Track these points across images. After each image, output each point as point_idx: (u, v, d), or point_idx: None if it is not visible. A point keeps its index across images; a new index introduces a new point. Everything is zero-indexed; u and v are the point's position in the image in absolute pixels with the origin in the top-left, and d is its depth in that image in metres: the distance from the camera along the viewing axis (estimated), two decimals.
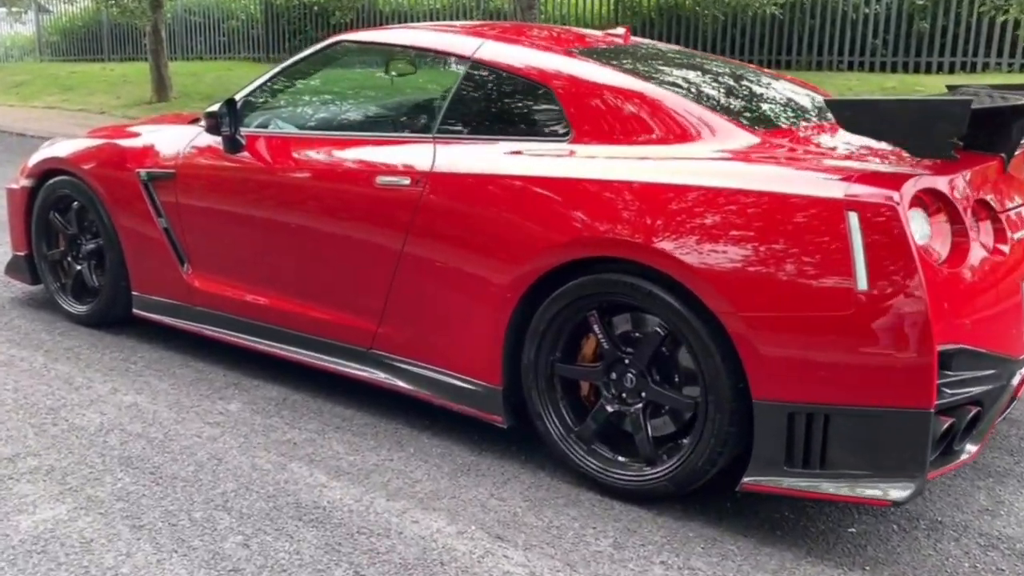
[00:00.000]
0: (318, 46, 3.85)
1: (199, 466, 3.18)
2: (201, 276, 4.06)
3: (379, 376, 3.50)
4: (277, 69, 3.93)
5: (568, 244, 2.85)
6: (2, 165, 10.36)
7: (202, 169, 3.94)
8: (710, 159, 2.76)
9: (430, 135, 3.35)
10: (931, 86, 10.82)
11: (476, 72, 3.36)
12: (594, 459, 2.97)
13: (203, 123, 3.96)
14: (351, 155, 3.51)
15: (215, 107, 3.70)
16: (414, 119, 3.84)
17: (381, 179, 3.34)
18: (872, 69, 12.56)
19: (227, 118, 3.68)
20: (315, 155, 3.58)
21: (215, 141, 3.88)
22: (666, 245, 2.65)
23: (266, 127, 3.91)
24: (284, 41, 20.07)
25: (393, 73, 4.00)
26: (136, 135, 4.34)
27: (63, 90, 18.18)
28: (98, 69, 20.25)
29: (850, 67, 12.84)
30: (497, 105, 3.34)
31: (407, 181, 3.27)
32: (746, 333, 2.54)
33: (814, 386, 2.50)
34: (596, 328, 2.90)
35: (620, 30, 3.89)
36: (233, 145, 3.80)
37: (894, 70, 12.47)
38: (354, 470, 3.17)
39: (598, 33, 3.99)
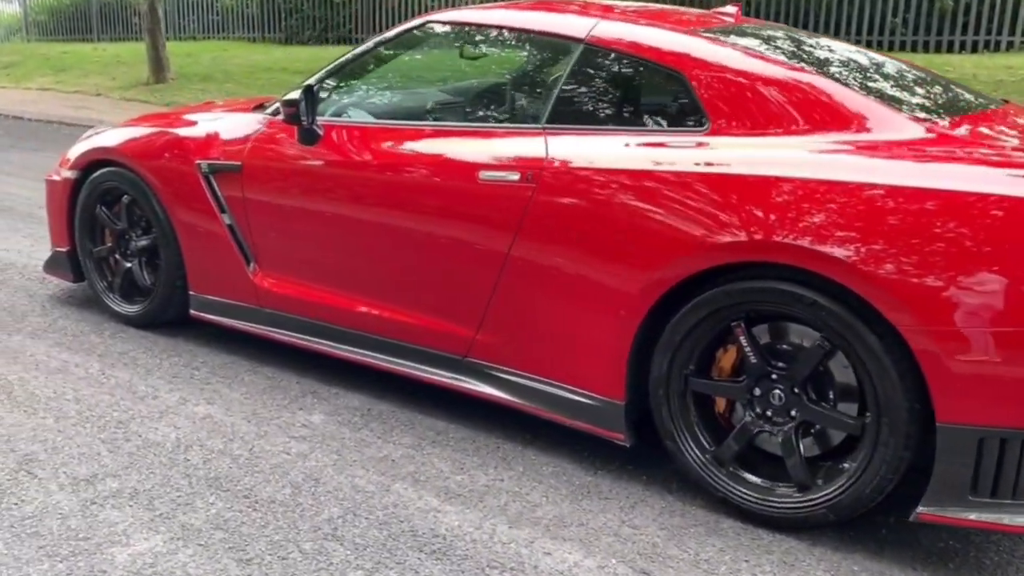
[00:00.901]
0: (401, 28, 3.56)
1: (295, 488, 2.92)
2: (270, 276, 3.78)
3: (476, 386, 3.25)
4: (353, 53, 3.65)
5: (715, 248, 2.60)
6: (5, 150, 10.00)
7: (273, 161, 3.66)
8: (879, 153, 2.50)
9: (538, 125, 3.09)
10: (959, 67, 10.61)
11: (590, 55, 3.09)
12: (736, 483, 2.74)
13: (278, 111, 3.68)
14: (447, 147, 3.24)
15: (294, 94, 3.41)
16: (518, 108, 3.56)
17: (485, 174, 3.07)
18: (891, 48, 12.32)
19: (306, 107, 3.39)
20: (405, 147, 3.31)
21: (287, 131, 3.60)
22: (837, 250, 2.40)
23: (340, 115, 3.64)
24: (279, 20, 19.65)
25: (482, 55, 3.71)
26: (193, 123, 4.04)
27: (56, 71, 17.73)
28: (89, 49, 19.76)
29: (868, 47, 12.58)
30: (617, 92, 3.07)
31: (515, 176, 3.00)
32: (933, 349, 2.30)
33: (1012, 409, 2.26)
34: (743, 340, 2.65)
35: (731, 8, 3.61)
36: (310, 136, 3.52)
37: (914, 49, 12.25)
38: (464, 491, 2.92)
39: (706, 12, 3.71)
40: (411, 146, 3.31)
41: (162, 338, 4.20)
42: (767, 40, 3.17)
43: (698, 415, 2.82)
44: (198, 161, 3.86)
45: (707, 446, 2.79)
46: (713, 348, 2.80)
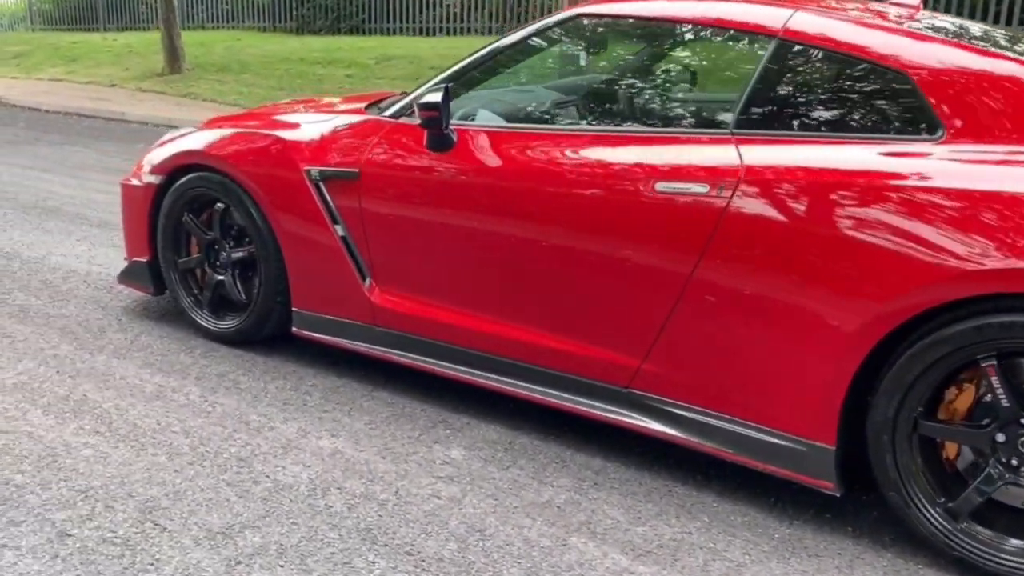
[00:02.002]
0: (547, 21, 3.21)
1: (461, 542, 2.58)
2: (389, 293, 3.43)
3: (640, 421, 2.91)
4: (490, 49, 3.30)
5: (969, 276, 2.26)
6: (32, 144, 9.61)
7: (398, 169, 3.31)
8: None
9: (726, 131, 2.74)
10: None
11: (786, 51, 2.74)
12: (975, 541, 2.39)
13: (400, 112, 3.35)
14: (611, 155, 2.89)
15: (432, 96, 3.06)
16: (698, 111, 3.21)
17: (663, 185, 2.73)
18: None
19: (446, 110, 3.04)
20: (557, 155, 2.98)
21: (414, 135, 3.25)
22: None
23: (472, 118, 3.29)
24: (291, 10, 19.24)
25: (648, 51, 3.36)
26: (296, 125, 3.68)
27: (66, 61, 17.29)
28: (99, 39, 19.31)
29: None
30: (823, 94, 2.72)
31: (702, 188, 2.66)
32: None
33: None
34: (994, 381, 2.31)
35: (914, 0, 3.26)
36: (442, 142, 3.16)
37: None
38: (653, 547, 2.58)
39: (886, 4, 3.36)
40: (566, 153, 2.97)
41: (259, 357, 3.85)
42: (985, 36, 2.83)
43: (923, 463, 2.48)
44: (307, 168, 3.50)
45: (938, 498, 2.45)
46: (942, 387, 2.46)
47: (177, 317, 4.24)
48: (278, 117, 3.89)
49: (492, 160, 3.12)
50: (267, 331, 3.87)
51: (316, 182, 3.50)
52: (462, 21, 16.84)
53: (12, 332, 4.07)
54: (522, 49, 3.32)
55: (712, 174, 2.67)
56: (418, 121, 3.20)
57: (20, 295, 4.55)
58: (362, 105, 3.78)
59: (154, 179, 3.99)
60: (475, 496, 2.84)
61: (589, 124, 3.28)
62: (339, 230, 3.50)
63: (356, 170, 3.40)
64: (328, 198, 3.50)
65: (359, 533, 2.63)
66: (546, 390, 3.12)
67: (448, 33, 16.91)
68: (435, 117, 3.07)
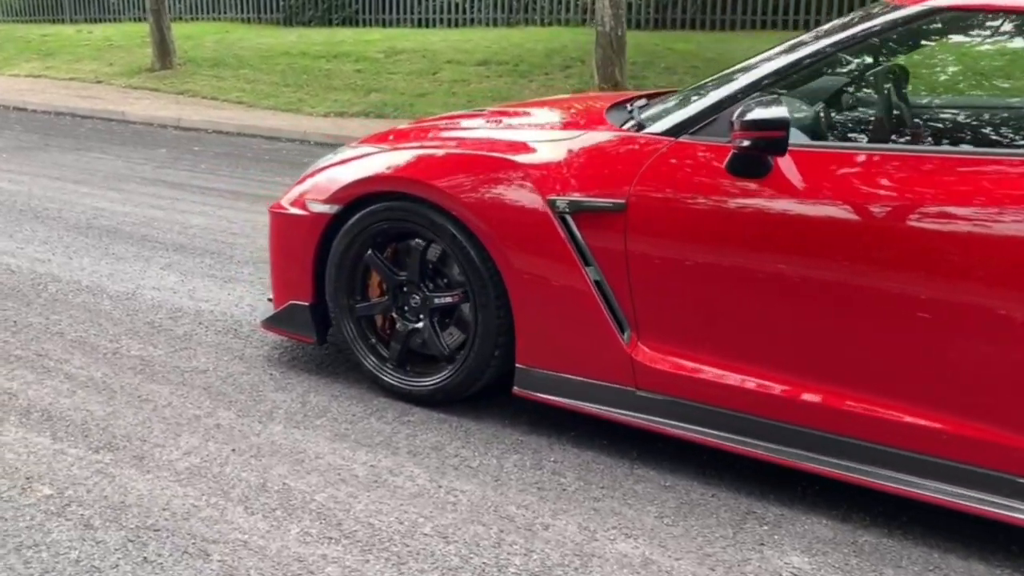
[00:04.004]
0: (894, 16, 2.59)
1: None
2: (659, 350, 2.82)
3: None
4: (813, 50, 2.68)
5: None
6: (43, 149, 8.76)
7: (685, 201, 2.67)
8: None
9: None
10: None
11: None
12: None
13: (679, 129, 2.74)
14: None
15: (763, 111, 2.43)
16: None
17: None
18: None
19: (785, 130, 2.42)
20: (933, 184, 2.35)
21: (706, 158, 2.63)
22: None
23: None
24: (277, 1, 18.32)
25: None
26: (527, 145, 3.03)
27: (42, 56, 16.30)
28: (72, 32, 18.30)
29: None
30: None
31: None
32: None
33: None
34: None
35: None
36: (754, 166, 2.54)
37: None
38: None
39: None
40: (945, 182, 2.35)
41: (469, 423, 3.21)
42: None
43: None
44: (552, 198, 2.86)
45: None
46: None
47: (340, 369, 3.58)
48: (497, 135, 3.22)
49: (830, 189, 2.50)
50: (474, 389, 3.22)
51: (563, 215, 2.86)
52: (465, 12, 16.12)
53: (149, 394, 3.37)
54: (856, 50, 2.70)
55: None
56: (713, 140, 2.60)
57: (132, 343, 3.84)
58: (583, 111, 3.13)
59: (326, 209, 3.30)
60: None
61: (975, 145, 2.65)
62: (591, 273, 2.86)
63: (621, 201, 2.77)
64: (578, 234, 2.86)
65: None
66: (909, 478, 2.51)
67: (449, 25, 16.19)
68: (773, 139, 2.44)
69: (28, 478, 2.79)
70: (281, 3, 18.07)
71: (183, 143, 9.48)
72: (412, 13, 16.54)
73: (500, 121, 3.43)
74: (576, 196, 2.85)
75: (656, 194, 2.73)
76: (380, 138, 3.59)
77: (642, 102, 3.45)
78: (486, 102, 11.21)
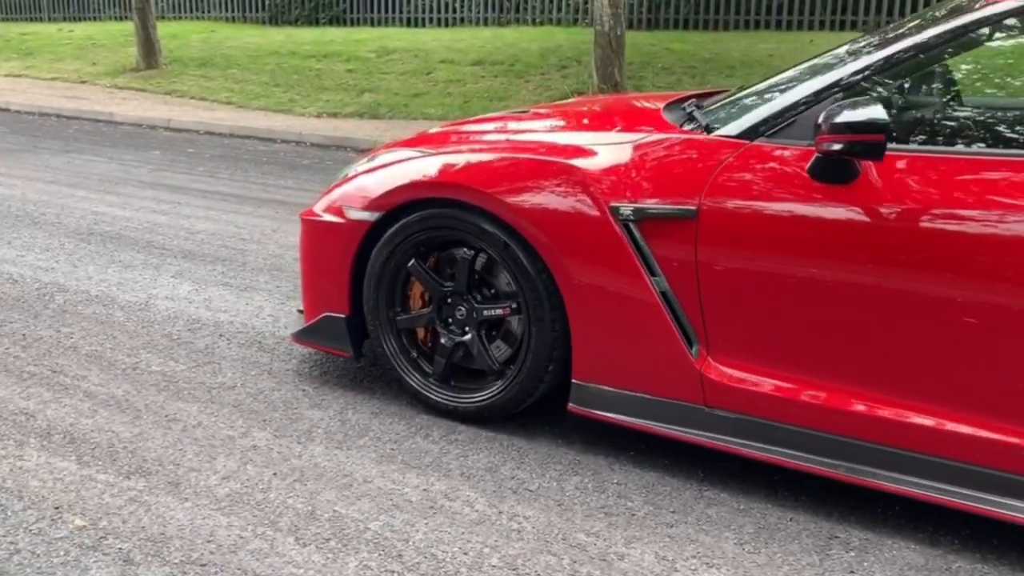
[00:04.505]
0: (988, 11, 2.44)
1: None
2: (731, 366, 2.66)
3: None
4: (908, 45, 2.52)
5: None
6: (32, 152, 8.52)
7: (765, 207, 2.51)
8: None
9: None
10: None
11: None
12: None
13: (755, 131, 2.60)
14: None
15: (861, 113, 2.28)
16: None
17: None
18: None
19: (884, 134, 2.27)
20: None
21: (785, 163, 2.48)
22: None
23: None
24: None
25: None
26: (584, 149, 2.87)
27: (22, 55, 15.98)
28: (54, 31, 17.96)
29: None
30: None
31: None
32: None
33: None
34: None
35: None
36: (840, 171, 2.39)
37: None
38: None
39: None
40: None
41: (522, 442, 3.05)
42: None
43: None
44: (615, 204, 2.69)
45: None
46: None
47: (376, 384, 3.41)
48: (540, 138, 3.07)
49: (923, 195, 2.35)
50: (524, 406, 3.05)
51: (626, 223, 2.69)
52: (455, 12, 15.93)
53: (176, 413, 3.17)
54: (957, 44, 2.54)
55: None
56: (791, 143, 2.45)
57: (152, 358, 3.64)
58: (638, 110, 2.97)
59: (366, 216, 3.12)
60: None
61: None
62: (658, 283, 2.69)
63: (692, 207, 2.60)
64: (643, 243, 2.69)
65: None
66: (985, 496, 2.36)
67: (439, 24, 15.99)
68: (870, 143, 2.29)
69: (57, 508, 2.59)
70: (267, 2, 17.81)
71: (176, 145, 9.24)
72: (401, 12, 16.33)
73: (548, 123, 3.26)
74: (642, 203, 2.69)
75: (730, 200, 2.58)
76: (415, 141, 3.42)
77: (692, 102, 3.29)
78: (483, 102, 11.05)
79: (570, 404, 2.95)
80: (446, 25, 15.89)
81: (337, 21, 17.08)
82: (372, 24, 16.53)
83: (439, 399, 3.15)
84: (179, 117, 10.87)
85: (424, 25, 16.06)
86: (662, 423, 2.80)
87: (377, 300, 3.19)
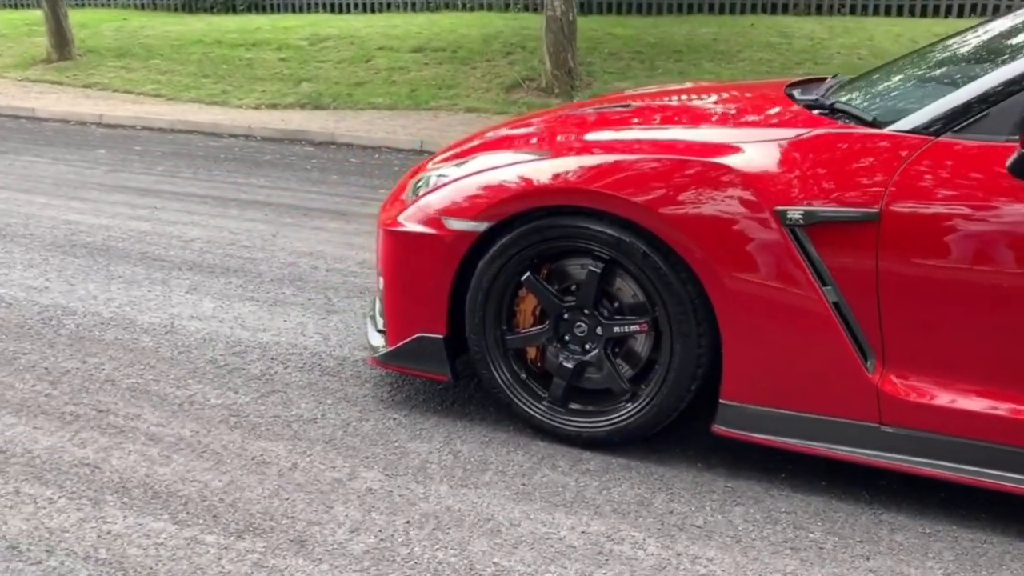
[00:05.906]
0: None
1: None
2: (911, 379, 2.45)
3: None
4: None
5: None
6: None
7: (959, 210, 2.32)
8: None
9: None
10: None
11: None
12: None
13: (942, 126, 2.37)
14: None
15: None
16: None
17: None
18: (948, 14, 11.92)
19: None
20: None
21: (980, 160, 2.29)
22: None
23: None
24: None
25: None
26: (731, 146, 2.62)
27: None
28: None
29: (923, 12, 12.12)
30: None
31: None
32: None
33: None
34: None
35: None
36: None
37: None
38: None
39: None
40: None
41: (656, 468, 2.81)
42: None
43: None
44: (781, 208, 2.45)
45: None
46: None
47: (469, 407, 3.13)
48: (678, 135, 2.80)
49: None
50: (657, 429, 2.80)
51: (794, 228, 2.45)
52: None
53: (261, 454, 2.82)
54: None
55: None
56: (983, 138, 2.27)
57: (206, 389, 3.26)
58: (769, 100, 2.74)
59: (472, 226, 2.81)
60: None
61: None
62: (830, 294, 2.46)
63: (874, 210, 2.38)
64: (811, 250, 2.46)
65: None
66: None
67: (366, 10, 15.47)
68: None
69: None
70: None
71: (119, 142, 8.63)
72: None
73: (674, 117, 2.99)
74: (812, 206, 2.44)
75: (918, 202, 2.36)
76: (510, 142, 3.09)
77: (806, 92, 3.07)
78: (431, 90, 10.68)
79: (716, 425, 2.71)
80: (374, 11, 15.38)
81: (256, 8, 16.38)
82: (295, 11, 15.90)
83: (560, 424, 2.88)
84: (110, 112, 10.19)
85: (350, 11, 15.52)
86: (830, 444, 2.58)
87: (484, 318, 2.88)
